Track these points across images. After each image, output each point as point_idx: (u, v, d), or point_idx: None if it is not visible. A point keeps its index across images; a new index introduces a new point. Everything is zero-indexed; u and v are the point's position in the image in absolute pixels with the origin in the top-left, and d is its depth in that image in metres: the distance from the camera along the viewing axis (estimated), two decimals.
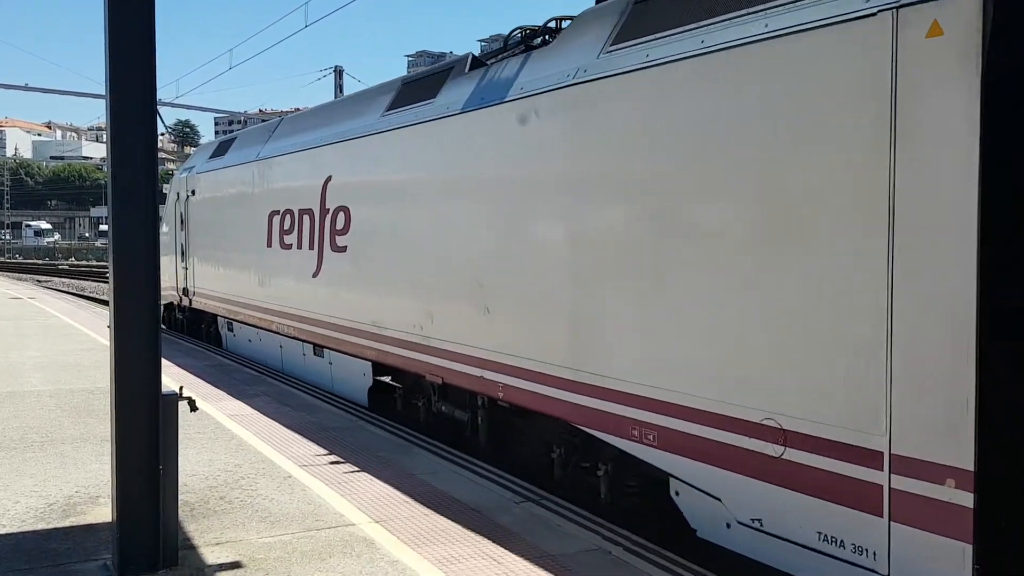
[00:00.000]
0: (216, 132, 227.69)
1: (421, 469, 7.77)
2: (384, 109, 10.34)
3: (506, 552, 5.74)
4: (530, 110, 7.47)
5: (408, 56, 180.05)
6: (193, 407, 5.79)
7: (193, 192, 17.72)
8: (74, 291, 38.88)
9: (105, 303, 30.05)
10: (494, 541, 5.95)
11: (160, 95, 5.43)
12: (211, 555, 5.65)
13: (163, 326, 19.70)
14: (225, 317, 16.17)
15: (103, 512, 6.33)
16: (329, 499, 6.86)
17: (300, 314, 12.26)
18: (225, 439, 8.84)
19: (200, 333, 18.24)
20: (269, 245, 13.37)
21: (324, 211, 11.40)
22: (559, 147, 7.16)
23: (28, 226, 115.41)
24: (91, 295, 35.71)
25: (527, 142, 7.53)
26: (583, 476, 7.33)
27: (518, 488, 7.22)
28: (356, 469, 7.72)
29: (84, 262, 71.12)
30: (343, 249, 10.91)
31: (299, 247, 12.19)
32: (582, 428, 6.92)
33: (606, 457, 6.89)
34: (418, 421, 9.86)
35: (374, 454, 8.29)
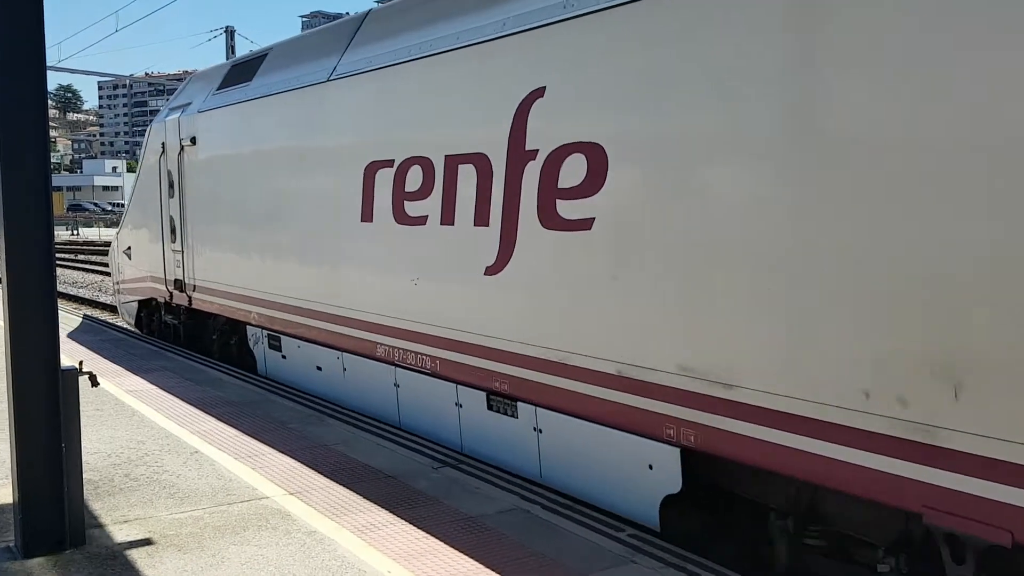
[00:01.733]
0: (100, 97, 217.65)
1: (335, 439, 7.69)
2: None
3: (425, 516, 5.76)
4: None
5: (303, 17, 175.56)
6: (94, 382, 5.62)
7: (192, 141, 11.98)
8: None
9: None
10: (413, 506, 5.96)
11: None
12: (120, 533, 5.48)
13: (136, 330, 14.76)
14: (264, 328, 10.60)
15: (1, 494, 6.05)
16: (240, 473, 6.72)
17: (452, 336, 7.23)
18: (126, 415, 8.55)
19: (206, 346, 12.57)
20: (367, 219, 8.26)
21: (522, 156, 6.40)
22: None
23: None
24: None
25: None
26: None
27: (435, 453, 7.23)
28: (267, 442, 7.58)
29: None
30: (581, 224, 5.90)
31: (447, 221, 7.22)
32: None
33: None
34: None
35: (285, 426, 8.16)
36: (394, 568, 4.97)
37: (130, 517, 5.77)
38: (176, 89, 14.90)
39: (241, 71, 11.41)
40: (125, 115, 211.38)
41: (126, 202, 15.38)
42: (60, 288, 26.09)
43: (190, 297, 12.37)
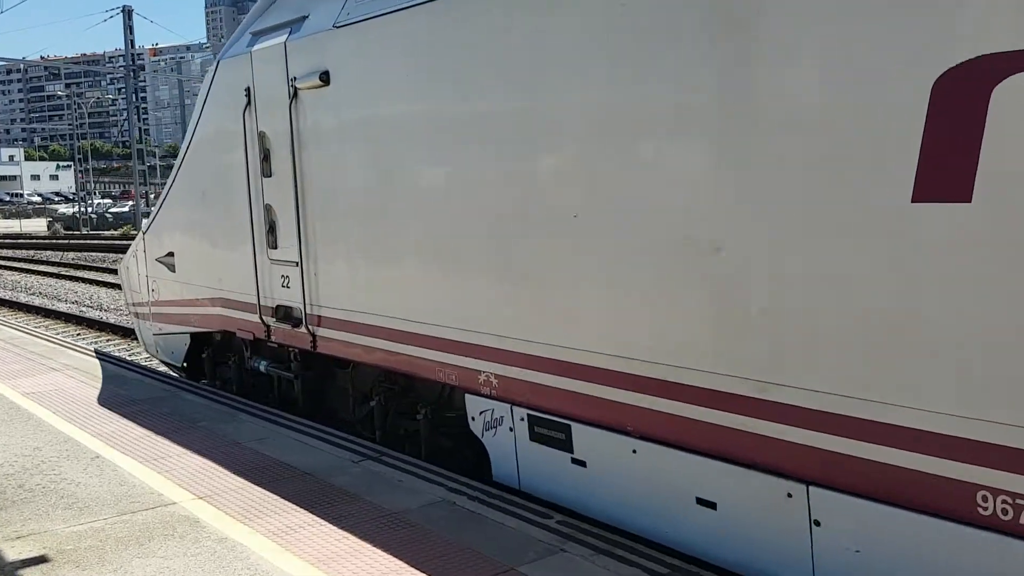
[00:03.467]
0: None
1: (248, 436, 7.31)
2: None
3: (346, 515, 5.47)
4: None
5: None
6: None
7: (323, 78, 7.03)
8: None
9: None
10: (332, 505, 5.66)
11: None
12: (11, 551, 5.06)
13: (183, 378, 9.29)
14: (519, 404, 5.71)
15: None
16: (145, 478, 6.31)
17: None
18: (21, 420, 8.00)
19: (340, 414, 8.04)
20: (942, 195, 3.43)
21: None
22: None
23: None
24: None
25: None
26: None
27: (355, 447, 6.92)
28: (174, 442, 7.16)
29: None
30: None
31: None
32: None
33: None
34: None
35: (194, 424, 7.74)
36: (312, 573, 4.68)
37: (23, 532, 5.34)
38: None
39: None
40: (20, 101, 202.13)
41: (167, 184, 10.31)
42: None
43: (313, 336, 7.61)
